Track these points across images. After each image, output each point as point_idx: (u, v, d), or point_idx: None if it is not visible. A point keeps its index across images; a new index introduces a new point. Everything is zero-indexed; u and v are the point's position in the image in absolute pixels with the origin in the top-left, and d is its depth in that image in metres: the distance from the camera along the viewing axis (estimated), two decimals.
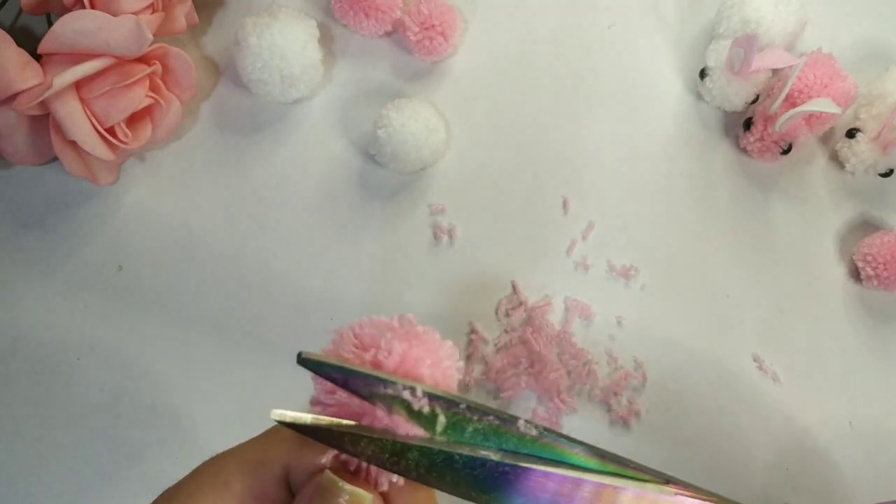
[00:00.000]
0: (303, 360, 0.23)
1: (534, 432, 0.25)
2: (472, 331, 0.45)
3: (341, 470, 0.24)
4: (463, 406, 0.24)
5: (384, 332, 0.24)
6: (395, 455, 0.23)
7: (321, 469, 0.24)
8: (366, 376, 0.23)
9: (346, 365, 0.23)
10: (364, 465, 0.24)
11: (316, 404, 0.24)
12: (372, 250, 0.47)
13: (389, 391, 0.23)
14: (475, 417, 0.24)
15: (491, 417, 0.24)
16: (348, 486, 0.24)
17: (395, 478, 0.24)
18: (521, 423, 0.25)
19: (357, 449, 0.23)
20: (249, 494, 0.24)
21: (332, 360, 0.23)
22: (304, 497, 0.24)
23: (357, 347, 0.24)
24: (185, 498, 0.24)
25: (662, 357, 0.46)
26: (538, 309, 0.46)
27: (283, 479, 0.25)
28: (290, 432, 0.24)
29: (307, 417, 0.23)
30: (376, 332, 0.24)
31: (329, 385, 0.24)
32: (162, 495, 0.24)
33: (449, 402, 0.24)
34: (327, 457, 0.24)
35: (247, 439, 0.26)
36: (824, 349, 0.47)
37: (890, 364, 0.47)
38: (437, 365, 0.24)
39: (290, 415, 0.23)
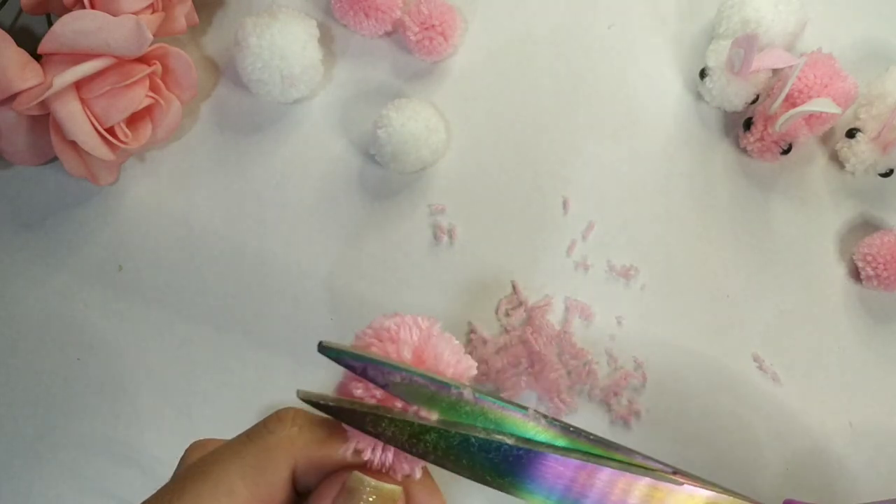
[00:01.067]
0: (323, 349, 0.24)
1: (542, 422, 0.25)
2: (472, 331, 0.45)
3: (361, 467, 0.24)
4: (468, 393, 0.25)
5: (407, 328, 0.25)
6: (414, 437, 0.24)
7: (337, 465, 0.24)
8: (383, 364, 0.24)
9: (365, 353, 0.24)
10: (380, 461, 0.24)
11: (342, 391, 0.25)
12: (372, 250, 0.47)
13: (404, 380, 0.24)
14: (484, 405, 0.25)
15: (499, 405, 0.25)
16: (376, 482, 0.24)
17: (416, 471, 0.25)
18: (530, 411, 0.25)
19: (378, 429, 0.24)
20: (256, 499, 0.24)
21: (351, 349, 0.24)
22: (325, 498, 0.24)
23: (379, 340, 0.25)
24: None
25: (662, 357, 0.46)
26: (538, 309, 0.46)
27: (289, 480, 0.24)
28: (296, 431, 0.24)
29: (330, 397, 0.24)
30: (398, 327, 0.25)
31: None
32: (156, 501, 0.23)
33: (445, 389, 0.24)
34: (348, 448, 0.24)
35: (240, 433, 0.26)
36: (824, 349, 0.47)
37: (890, 364, 0.47)
38: (458, 363, 0.25)
39: (315, 394, 0.24)
